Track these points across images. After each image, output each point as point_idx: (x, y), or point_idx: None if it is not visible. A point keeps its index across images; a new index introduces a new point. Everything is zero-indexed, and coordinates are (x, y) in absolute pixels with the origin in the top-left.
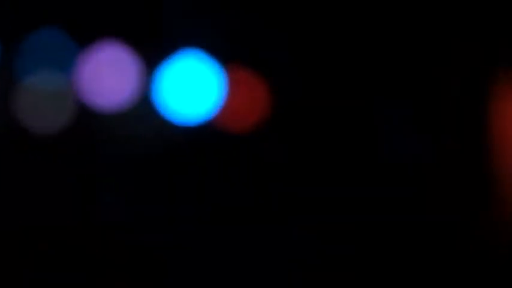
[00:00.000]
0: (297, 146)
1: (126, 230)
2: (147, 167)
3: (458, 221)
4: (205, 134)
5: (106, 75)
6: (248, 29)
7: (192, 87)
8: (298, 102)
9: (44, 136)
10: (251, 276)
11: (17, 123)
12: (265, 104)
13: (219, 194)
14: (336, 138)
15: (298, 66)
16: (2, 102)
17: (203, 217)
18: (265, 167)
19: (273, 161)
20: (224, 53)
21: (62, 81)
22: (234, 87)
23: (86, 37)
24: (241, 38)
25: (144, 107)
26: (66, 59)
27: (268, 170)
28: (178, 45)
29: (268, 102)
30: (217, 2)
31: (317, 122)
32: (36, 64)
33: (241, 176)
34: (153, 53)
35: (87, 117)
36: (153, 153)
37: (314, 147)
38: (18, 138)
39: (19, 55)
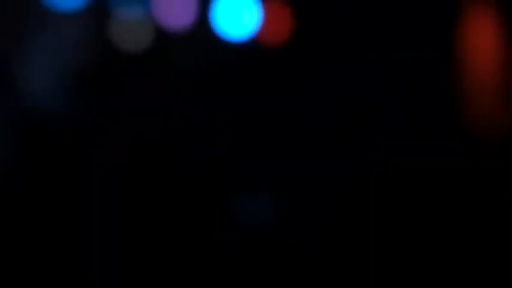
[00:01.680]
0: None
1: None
2: (208, 74)
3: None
4: (248, 48)
5: (174, 5)
6: None
7: (238, 14)
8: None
9: (131, 54)
10: None
11: (110, 45)
12: (290, 26)
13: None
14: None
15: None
16: (99, 29)
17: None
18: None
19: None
20: None
21: (141, 12)
22: (268, 13)
23: None
24: None
25: (203, 29)
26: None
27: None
28: None
29: (292, 25)
30: None
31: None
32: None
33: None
34: None
35: (161, 38)
36: (212, 61)
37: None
38: (110, 57)
39: None
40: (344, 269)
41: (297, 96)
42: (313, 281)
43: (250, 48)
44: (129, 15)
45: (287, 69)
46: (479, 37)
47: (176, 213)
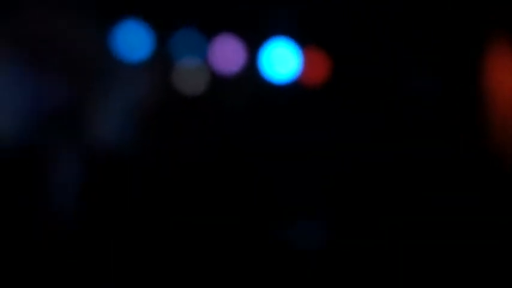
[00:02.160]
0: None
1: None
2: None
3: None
4: (290, 89)
5: (227, 53)
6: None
7: (281, 59)
8: (349, 71)
9: (190, 97)
10: None
11: (171, 89)
12: (326, 71)
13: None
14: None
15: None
16: (162, 76)
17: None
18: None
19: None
20: (300, 37)
21: (199, 61)
22: (307, 59)
23: (211, 32)
24: (312, 26)
25: (252, 73)
26: (202, 47)
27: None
28: (271, 32)
29: (328, 69)
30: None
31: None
32: (182, 52)
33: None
34: (257, 39)
35: (215, 82)
36: (259, 99)
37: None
38: (170, 100)
39: (171, 44)
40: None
41: (332, 131)
42: None
43: (292, 88)
44: (188, 62)
45: (325, 107)
46: (501, 72)
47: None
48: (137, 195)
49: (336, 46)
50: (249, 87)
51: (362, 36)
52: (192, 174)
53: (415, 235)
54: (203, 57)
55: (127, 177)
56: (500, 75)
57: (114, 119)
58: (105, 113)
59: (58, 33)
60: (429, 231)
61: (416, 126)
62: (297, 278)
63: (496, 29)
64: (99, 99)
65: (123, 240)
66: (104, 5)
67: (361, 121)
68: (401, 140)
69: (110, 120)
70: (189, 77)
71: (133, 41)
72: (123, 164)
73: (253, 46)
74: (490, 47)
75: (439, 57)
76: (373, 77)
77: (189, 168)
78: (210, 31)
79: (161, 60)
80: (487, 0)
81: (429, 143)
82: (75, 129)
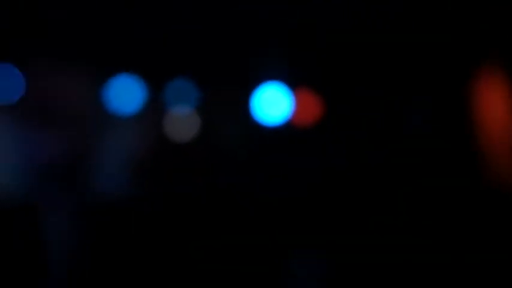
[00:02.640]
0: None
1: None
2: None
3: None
4: (283, 130)
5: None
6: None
7: (273, 103)
8: (341, 110)
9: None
10: None
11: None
12: (318, 111)
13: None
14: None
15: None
16: (153, 125)
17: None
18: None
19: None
20: (291, 80)
21: (187, 109)
22: (298, 100)
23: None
24: (301, 70)
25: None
26: (190, 97)
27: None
28: (263, 79)
29: (320, 109)
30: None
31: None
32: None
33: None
34: (248, 84)
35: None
36: (254, 141)
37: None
38: (163, 147)
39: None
40: None
41: (324, 166)
42: None
43: (285, 129)
44: (178, 111)
45: (316, 145)
46: (490, 103)
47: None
48: (135, 239)
49: (327, 87)
50: (242, 131)
51: (353, 76)
52: (186, 217)
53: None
54: (195, 105)
55: (125, 224)
56: (490, 101)
57: (109, 169)
58: (101, 165)
59: (54, 89)
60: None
61: (410, 162)
62: None
63: (486, 56)
64: (95, 152)
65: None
66: (96, 62)
67: (354, 158)
68: (395, 177)
69: (106, 171)
70: (180, 124)
71: (126, 94)
72: (120, 212)
73: (245, 91)
74: (480, 74)
75: (429, 92)
76: (365, 116)
77: (183, 211)
78: (202, 79)
79: (153, 111)
80: (477, 29)
81: (424, 178)
82: (72, 182)
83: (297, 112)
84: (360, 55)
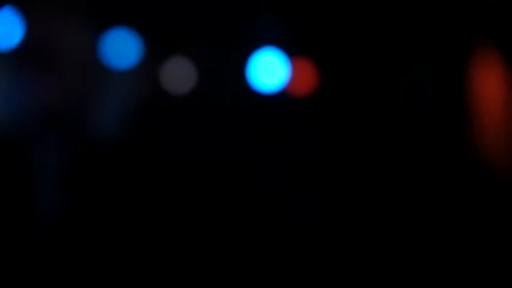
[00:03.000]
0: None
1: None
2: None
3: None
4: (278, 97)
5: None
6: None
7: (270, 68)
8: (337, 79)
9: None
10: None
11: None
12: (313, 78)
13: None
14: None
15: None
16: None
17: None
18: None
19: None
20: (289, 47)
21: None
22: (295, 68)
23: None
24: (299, 36)
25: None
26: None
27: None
28: (261, 44)
29: (315, 77)
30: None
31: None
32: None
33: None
34: (245, 49)
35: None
36: (248, 106)
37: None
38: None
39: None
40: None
41: (319, 140)
42: None
43: (279, 97)
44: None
45: (310, 116)
46: (486, 84)
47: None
48: (124, 187)
49: (324, 55)
50: (236, 95)
51: (350, 44)
52: (179, 170)
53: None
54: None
55: (114, 172)
56: (486, 81)
57: (104, 118)
58: (98, 110)
59: (54, 36)
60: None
61: (405, 134)
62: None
63: (483, 36)
64: (93, 97)
65: (113, 235)
66: (95, 13)
67: (349, 130)
68: (389, 148)
69: (103, 116)
70: (176, 76)
71: (122, 47)
72: (111, 159)
73: (242, 55)
74: (477, 54)
75: (426, 65)
76: (361, 86)
77: (175, 165)
78: (199, 39)
79: (149, 64)
80: (474, 7)
81: (418, 150)
82: (66, 127)
83: (293, 80)
84: (358, 23)
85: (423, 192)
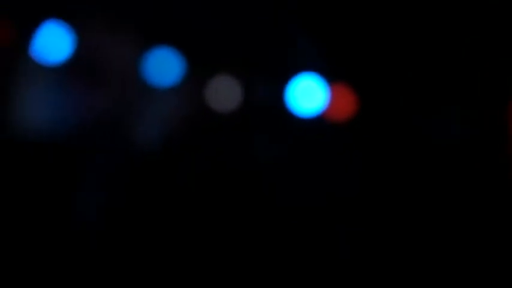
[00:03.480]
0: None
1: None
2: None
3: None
4: (316, 123)
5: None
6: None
7: (307, 94)
8: (377, 105)
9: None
10: None
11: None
12: (353, 105)
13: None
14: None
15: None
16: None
17: None
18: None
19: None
20: (326, 71)
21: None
22: (333, 94)
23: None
24: (338, 61)
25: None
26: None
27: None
28: (299, 69)
29: (355, 104)
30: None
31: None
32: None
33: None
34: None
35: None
36: (287, 130)
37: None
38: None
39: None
40: None
41: (355, 168)
42: None
43: (317, 123)
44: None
45: (349, 143)
46: None
47: None
48: (169, 199)
49: (364, 82)
50: (275, 119)
51: (390, 73)
52: (220, 188)
53: None
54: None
55: (160, 182)
56: None
57: (149, 130)
58: (141, 126)
59: (101, 51)
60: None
61: (441, 169)
62: None
63: None
64: (137, 110)
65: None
66: (141, 30)
67: (384, 158)
68: (424, 181)
69: (146, 132)
70: (219, 95)
71: (165, 65)
72: (157, 170)
73: (281, 80)
74: None
75: (465, 102)
76: (400, 116)
77: (216, 183)
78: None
79: (194, 80)
80: None
81: (452, 186)
82: (114, 136)
83: (331, 106)
84: (399, 52)
85: (456, 226)
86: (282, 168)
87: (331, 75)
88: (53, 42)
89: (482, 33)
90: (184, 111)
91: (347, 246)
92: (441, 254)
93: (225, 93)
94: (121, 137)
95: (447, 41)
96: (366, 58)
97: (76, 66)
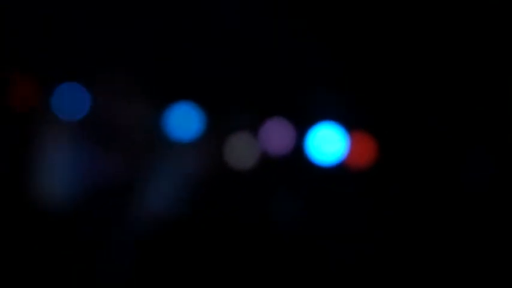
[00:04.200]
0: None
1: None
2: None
3: None
4: (336, 171)
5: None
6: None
7: (326, 142)
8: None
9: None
10: None
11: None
12: (372, 153)
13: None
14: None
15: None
16: (211, 151)
17: None
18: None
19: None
20: (346, 121)
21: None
22: (352, 141)
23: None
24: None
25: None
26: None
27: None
28: (318, 117)
29: (374, 151)
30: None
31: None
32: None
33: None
34: (303, 124)
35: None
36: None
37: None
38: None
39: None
40: None
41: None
42: None
43: (338, 171)
44: (237, 138)
45: (369, 190)
46: None
47: None
48: (188, 263)
49: (384, 131)
50: (295, 168)
51: (411, 119)
52: (241, 243)
53: None
54: (253, 134)
55: (178, 247)
56: None
57: (165, 192)
58: (157, 186)
59: (117, 110)
60: None
61: (465, 215)
62: None
63: None
64: (152, 173)
65: None
66: (158, 87)
67: (408, 205)
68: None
69: (162, 194)
70: (239, 152)
71: (184, 121)
72: (174, 233)
73: (300, 129)
74: None
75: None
76: (422, 162)
77: (238, 238)
78: (259, 113)
79: (212, 137)
80: None
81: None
82: (127, 201)
83: (352, 154)
84: (421, 98)
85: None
86: (304, 221)
87: (350, 123)
88: (70, 101)
89: None
90: (204, 168)
91: None
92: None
93: (244, 149)
94: (136, 198)
95: (473, 87)
96: (386, 104)
97: (90, 127)
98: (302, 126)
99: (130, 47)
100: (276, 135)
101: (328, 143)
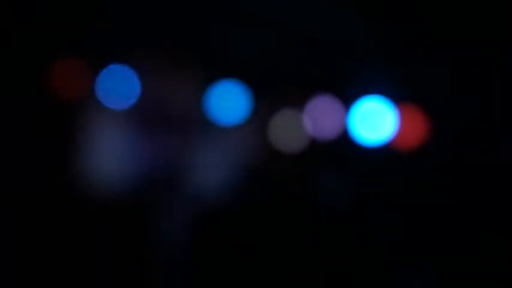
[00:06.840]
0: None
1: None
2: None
3: None
4: (383, 152)
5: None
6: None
7: (373, 119)
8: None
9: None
10: None
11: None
12: (424, 130)
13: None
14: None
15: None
16: (259, 132)
17: None
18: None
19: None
20: (395, 94)
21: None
22: (402, 118)
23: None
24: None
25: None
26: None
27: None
28: (364, 90)
29: (426, 128)
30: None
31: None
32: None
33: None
34: (348, 98)
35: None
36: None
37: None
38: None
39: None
40: None
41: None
42: None
43: (386, 151)
44: (286, 122)
45: (420, 172)
46: None
47: None
48: (239, 244)
49: (435, 104)
50: (341, 148)
51: (463, 94)
52: (289, 227)
53: None
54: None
55: (228, 229)
56: None
57: (215, 173)
58: (207, 168)
59: (166, 93)
60: None
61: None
62: None
63: None
64: (201, 154)
65: None
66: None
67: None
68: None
69: (212, 175)
70: (286, 134)
71: (231, 102)
72: (223, 216)
73: (347, 104)
74: None
75: None
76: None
77: (285, 221)
78: (305, 88)
79: (259, 118)
80: None
81: None
82: (180, 183)
83: (401, 132)
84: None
85: None
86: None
87: (399, 98)
88: (119, 86)
89: None
90: (251, 150)
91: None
92: None
93: (291, 130)
94: (187, 183)
95: None
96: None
97: (140, 112)
98: (349, 104)
99: (177, 32)
100: (324, 114)
101: (377, 120)
